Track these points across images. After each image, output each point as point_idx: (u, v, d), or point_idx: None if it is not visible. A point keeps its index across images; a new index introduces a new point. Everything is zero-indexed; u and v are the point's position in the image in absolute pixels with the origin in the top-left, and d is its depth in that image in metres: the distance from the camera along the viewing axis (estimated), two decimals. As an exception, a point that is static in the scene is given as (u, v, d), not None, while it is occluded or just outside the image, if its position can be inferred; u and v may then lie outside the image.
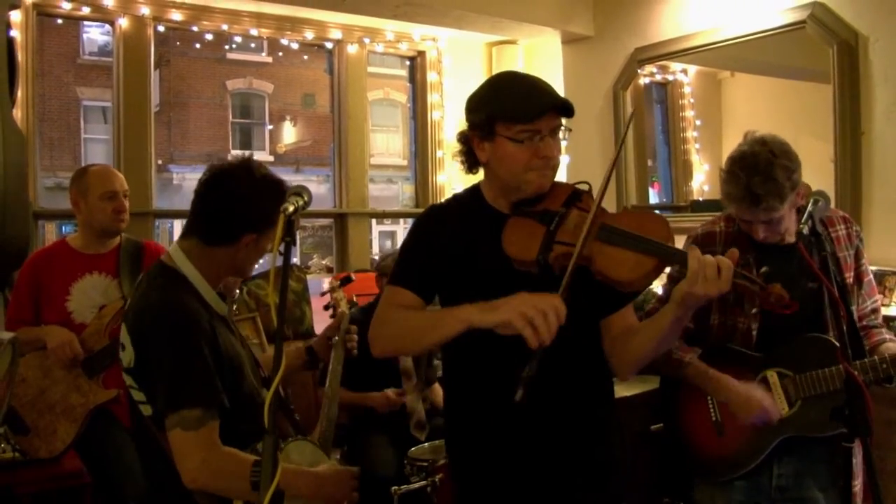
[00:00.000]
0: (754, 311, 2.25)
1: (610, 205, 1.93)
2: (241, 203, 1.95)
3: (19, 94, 4.11)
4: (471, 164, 1.89)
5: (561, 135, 1.80)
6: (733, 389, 2.22)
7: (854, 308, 2.29)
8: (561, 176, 1.93)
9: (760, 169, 2.10)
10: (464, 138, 1.87)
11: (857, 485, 2.21)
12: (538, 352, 1.53)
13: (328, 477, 2.03)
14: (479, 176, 1.95)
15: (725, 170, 2.20)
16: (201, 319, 1.90)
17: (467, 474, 1.95)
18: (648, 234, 1.67)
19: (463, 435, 1.97)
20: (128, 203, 3.07)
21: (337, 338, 2.54)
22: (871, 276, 2.42)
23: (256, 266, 2.64)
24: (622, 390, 3.24)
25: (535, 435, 1.82)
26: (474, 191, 1.95)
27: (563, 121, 1.80)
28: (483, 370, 1.85)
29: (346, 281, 3.00)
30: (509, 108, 1.75)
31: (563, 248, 1.69)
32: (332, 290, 2.86)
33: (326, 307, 2.84)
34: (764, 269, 1.65)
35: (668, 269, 2.00)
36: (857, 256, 2.35)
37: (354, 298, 3.70)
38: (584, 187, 1.85)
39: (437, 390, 3.79)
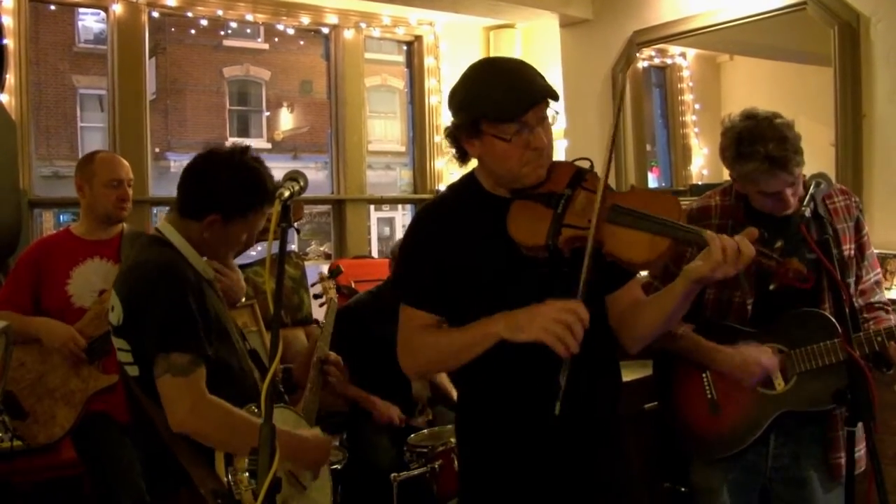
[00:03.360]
0: (771, 287, 2.23)
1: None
2: (210, 182, 2.04)
3: (13, 81, 4.09)
4: (462, 156, 1.85)
5: (550, 119, 1.75)
6: (728, 356, 2.22)
7: (852, 280, 2.28)
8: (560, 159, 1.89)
9: (770, 135, 2.08)
10: (452, 135, 1.82)
11: (860, 450, 2.20)
12: (567, 361, 1.54)
13: (309, 441, 2.09)
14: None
15: (732, 155, 2.16)
16: (188, 275, 1.98)
17: (477, 465, 1.94)
18: (660, 213, 1.64)
19: (472, 417, 1.95)
20: (131, 192, 3.06)
21: (320, 334, 2.60)
22: (873, 248, 2.38)
23: (254, 253, 2.64)
24: (623, 375, 3.22)
25: (547, 424, 1.81)
26: (469, 178, 1.91)
27: (552, 104, 1.75)
28: (498, 371, 1.82)
29: (335, 273, 3.10)
30: (493, 107, 1.68)
31: (572, 231, 1.66)
32: (321, 279, 3.03)
33: (317, 296, 2.93)
34: (779, 243, 1.63)
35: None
36: (858, 227, 2.32)
37: (353, 284, 3.69)
38: (586, 164, 1.81)
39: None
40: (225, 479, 1.90)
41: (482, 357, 1.71)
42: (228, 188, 2.04)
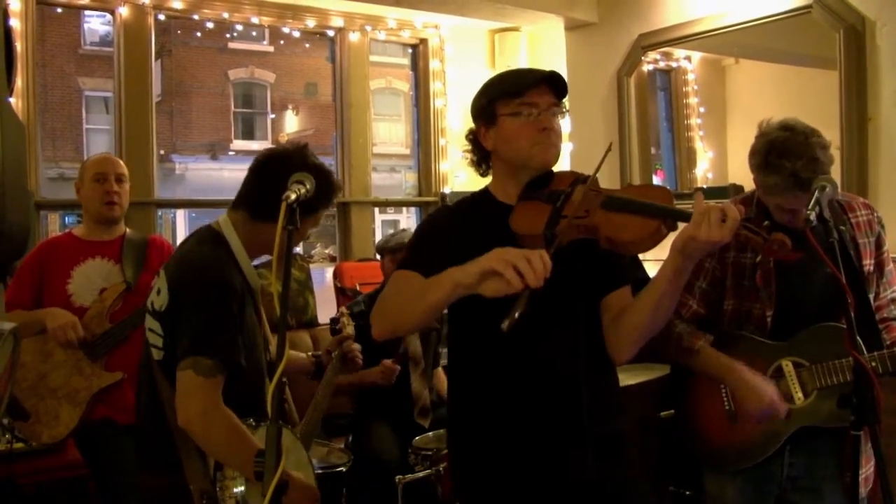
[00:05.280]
0: (757, 260, 2.21)
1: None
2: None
3: (20, 84, 4.10)
4: (480, 160, 1.96)
5: (560, 118, 1.88)
6: (745, 378, 2.19)
7: (871, 296, 2.25)
8: (564, 163, 1.95)
9: (800, 152, 2.05)
10: (471, 134, 1.95)
11: (865, 472, 2.19)
12: (525, 293, 1.51)
13: (294, 482, 1.93)
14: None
15: (759, 163, 2.13)
16: (236, 284, 2.00)
17: (469, 465, 1.94)
18: (651, 199, 1.73)
19: (466, 426, 1.96)
20: (124, 189, 3.05)
21: (336, 352, 2.62)
22: (893, 265, 2.35)
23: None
24: (625, 379, 3.23)
25: (538, 421, 1.82)
26: (483, 191, 2.00)
27: (564, 104, 1.89)
28: (487, 360, 1.86)
29: (355, 307, 3.14)
30: (504, 87, 1.87)
31: (568, 221, 1.72)
32: (341, 315, 3.04)
33: (334, 331, 2.93)
34: (766, 222, 1.65)
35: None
36: (879, 244, 2.29)
37: (358, 287, 3.71)
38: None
39: (441, 376, 3.78)
40: (209, 481, 1.94)
41: (476, 362, 1.73)
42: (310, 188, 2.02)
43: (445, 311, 1.98)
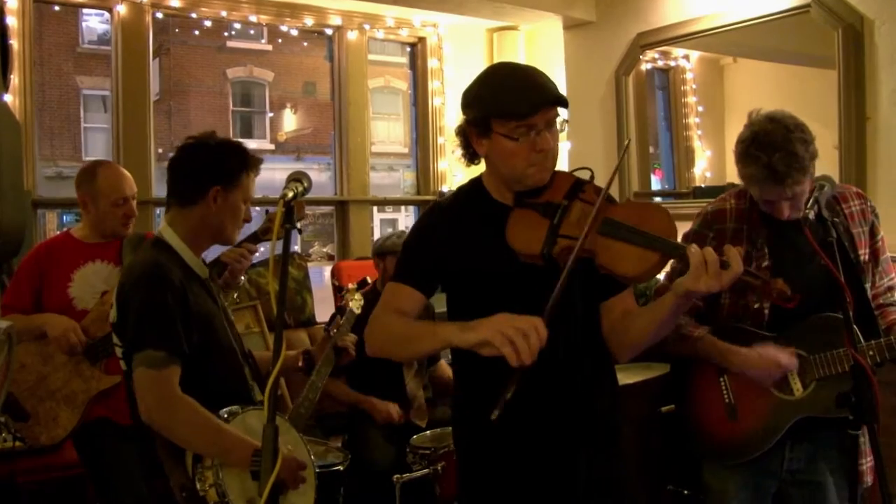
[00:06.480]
0: (756, 305, 2.22)
1: (613, 193, 1.92)
2: (203, 157, 2.19)
3: (17, 82, 4.09)
4: (471, 156, 1.89)
5: (558, 125, 1.80)
6: (745, 356, 2.19)
7: (868, 286, 2.26)
8: (562, 162, 1.93)
9: (778, 145, 2.05)
10: (462, 132, 1.87)
11: (865, 463, 2.19)
12: (518, 372, 1.53)
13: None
14: (481, 168, 1.95)
15: (740, 152, 2.15)
16: (172, 276, 2.08)
17: (472, 462, 1.94)
18: (652, 227, 1.67)
19: (469, 424, 1.95)
20: (135, 203, 3.05)
21: (336, 331, 2.60)
22: (888, 253, 2.36)
23: (257, 254, 2.65)
24: (625, 378, 3.22)
25: (541, 423, 1.82)
26: (476, 184, 1.94)
27: (562, 110, 1.80)
28: (490, 361, 1.84)
29: (362, 284, 3.11)
30: (503, 105, 1.74)
31: (566, 241, 1.69)
32: (347, 290, 3.04)
33: (340, 309, 2.94)
34: (766, 262, 1.64)
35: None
36: (873, 232, 2.30)
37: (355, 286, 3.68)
38: (586, 175, 1.84)
39: (443, 367, 3.75)
40: (190, 474, 1.96)
41: (480, 359, 1.72)
42: (219, 159, 2.19)
43: (442, 309, 1.99)
